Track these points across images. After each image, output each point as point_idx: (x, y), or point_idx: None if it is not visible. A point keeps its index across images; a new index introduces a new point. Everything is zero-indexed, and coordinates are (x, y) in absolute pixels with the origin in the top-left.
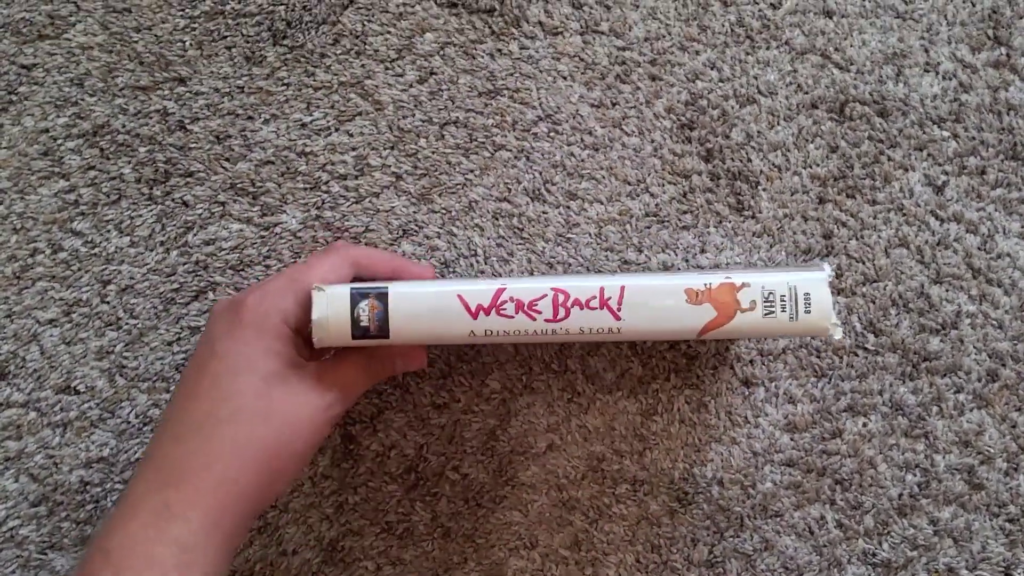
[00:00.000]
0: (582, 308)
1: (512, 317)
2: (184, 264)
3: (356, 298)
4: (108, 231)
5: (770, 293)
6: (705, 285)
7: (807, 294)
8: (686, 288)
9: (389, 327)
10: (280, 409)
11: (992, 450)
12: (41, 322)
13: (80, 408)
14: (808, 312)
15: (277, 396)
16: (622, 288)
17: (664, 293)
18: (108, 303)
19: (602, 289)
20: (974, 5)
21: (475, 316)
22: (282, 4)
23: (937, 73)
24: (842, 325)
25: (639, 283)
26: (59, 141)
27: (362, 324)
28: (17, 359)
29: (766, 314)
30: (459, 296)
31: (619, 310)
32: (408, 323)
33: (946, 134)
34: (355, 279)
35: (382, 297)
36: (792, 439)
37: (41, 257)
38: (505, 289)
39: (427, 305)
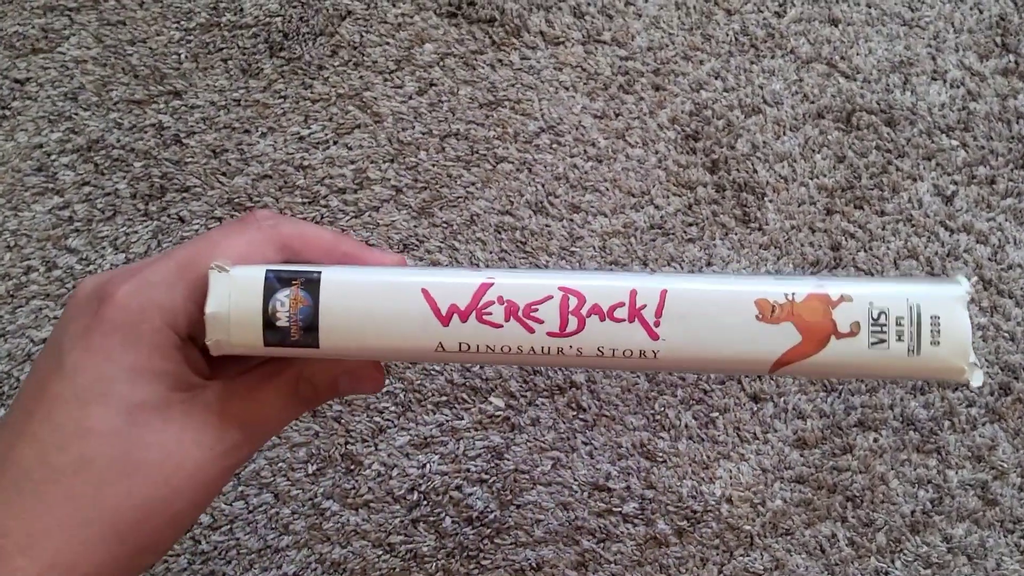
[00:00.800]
0: (603, 319)
1: (500, 326)
2: None
3: (273, 285)
4: (103, 248)
5: (881, 313)
6: (787, 296)
7: (935, 317)
8: (758, 299)
9: (319, 331)
10: (150, 458)
11: (1006, 465)
12: (35, 341)
13: None
14: (936, 344)
15: (147, 438)
16: (663, 294)
17: (725, 304)
18: None
19: (634, 293)
20: (981, 12)
21: (446, 322)
22: (279, 16)
23: (945, 81)
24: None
25: (688, 288)
26: (53, 156)
27: (279, 324)
28: (10, 379)
29: (874, 343)
30: (424, 291)
31: (657, 326)
32: (347, 327)
33: (955, 143)
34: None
35: (311, 286)
36: (802, 455)
37: (35, 275)
38: (492, 284)
39: (377, 302)
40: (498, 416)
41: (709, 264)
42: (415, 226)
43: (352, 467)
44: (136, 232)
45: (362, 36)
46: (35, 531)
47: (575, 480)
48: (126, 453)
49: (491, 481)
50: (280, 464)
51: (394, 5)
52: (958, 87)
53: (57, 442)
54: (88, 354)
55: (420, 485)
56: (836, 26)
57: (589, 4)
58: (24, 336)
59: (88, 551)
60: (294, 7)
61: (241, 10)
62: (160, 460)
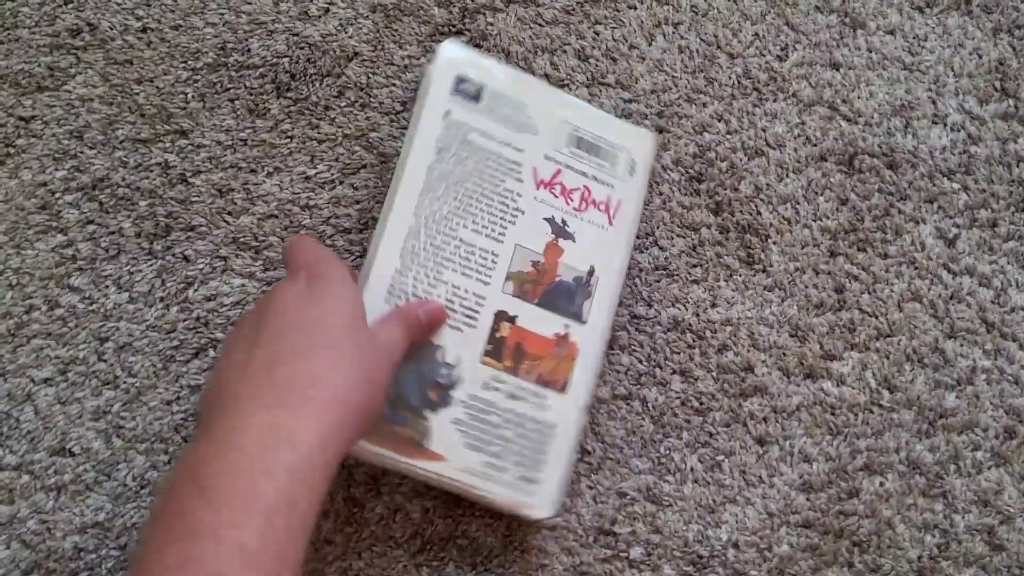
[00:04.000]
0: None
1: None
2: (184, 320)
3: None
4: (106, 287)
5: None
6: None
7: None
8: None
9: None
10: (370, 339)
11: (1012, 509)
12: (36, 381)
13: (75, 471)
14: None
15: (365, 332)
16: None
17: None
18: (105, 361)
19: None
20: (980, 57)
21: None
22: (286, 56)
23: (945, 125)
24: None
25: None
26: (57, 195)
27: None
28: (10, 419)
29: None
30: None
31: None
32: None
33: (956, 186)
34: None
35: None
36: (808, 499)
37: (37, 314)
38: None
39: None
40: None
41: (714, 306)
42: None
43: (355, 511)
44: (140, 271)
45: (369, 77)
46: (316, 377)
47: (580, 524)
48: (358, 336)
49: (495, 525)
50: None
51: (400, 47)
52: (959, 131)
53: (316, 331)
54: (331, 299)
55: (424, 529)
56: (837, 70)
57: (593, 47)
58: (24, 375)
59: (352, 388)
60: (301, 48)
61: (248, 50)
62: (375, 339)
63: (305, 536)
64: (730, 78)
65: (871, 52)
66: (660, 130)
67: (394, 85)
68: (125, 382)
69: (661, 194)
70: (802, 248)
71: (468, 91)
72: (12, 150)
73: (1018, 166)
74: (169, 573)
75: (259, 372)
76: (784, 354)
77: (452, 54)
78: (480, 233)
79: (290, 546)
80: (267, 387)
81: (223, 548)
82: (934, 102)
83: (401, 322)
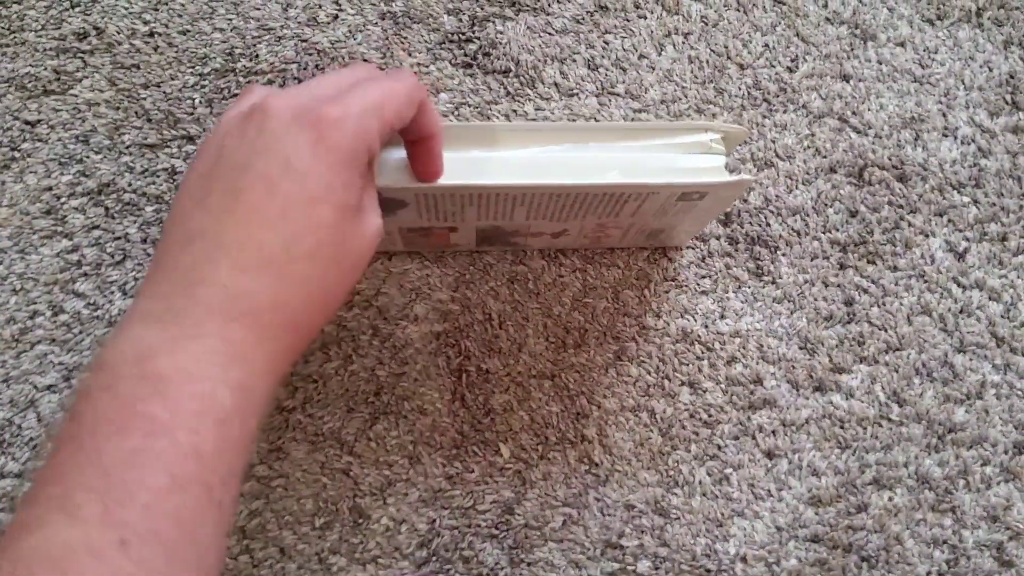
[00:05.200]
0: None
1: None
2: None
3: None
4: (111, 293)
5: None
6: None
7: None
8: None
9: None
10: (351, 248)
11: (1021, 526)
12: (39, 388)
13: None
14: None
15: (349, 233)
16: None
17: None
18: None
19: None
20: (991, 70)
21: None
22: (294, 63)
23: (956, 138)
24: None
25: None
26: (63, 199)
27: None
28: (12, 426)
29: None
30: None
31: None
32: None
33: (966, 199)
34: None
35: None
36: (817, 513)
37: (41, 319)
38: None
39: None
40: (509, 469)
41: (723, 317)
42: (427, 275)
43: (360, 521)
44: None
45: None
46: (280, 297)
47: (587, 537)
48: (339, 245)
49: (501, 536)
50: (287, 517)
51: (410, 55)
52: (969, 144)
53: (296, 231)
54: (316, 163)
55: (430, 541)
56: (848, 82)
57: (603, 57)
58: (28, 382)
59: (310, 313)
60: (310, 54)
61: (257, 56)
62: (356, 249)
63: (248, 453)
64: (740, 89)
65: (881, 64)
66: None
67: None
68: None
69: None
70: (811, 260)
71: None
72: (17, 154)
73: None
74: (116, 467)
75: (222, 271)
76: (793, 367)
77: None
78: None
79: (238, 458)
80: (227, 298)
81: (179, 450)
82: (944, 115)
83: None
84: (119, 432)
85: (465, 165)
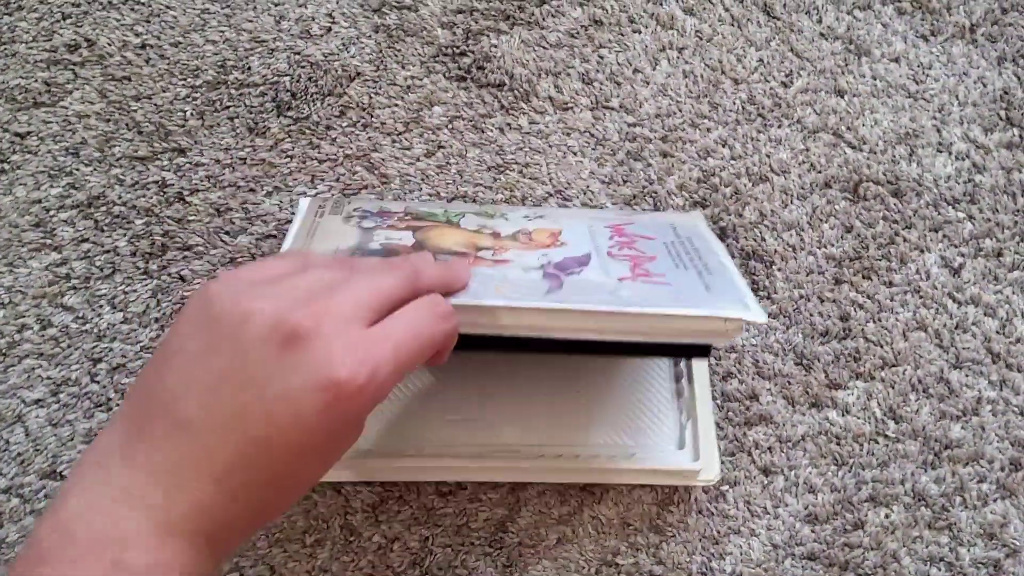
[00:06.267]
0: None
1: None
2: None
3: None
4: (100, 306)
5: None
6: None
7: None
8: None
9: None
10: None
11: (1018, 543)
12: (27, 402)
13: None
14: None
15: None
16: None
17: None
18: (98, 382)
19: None
20: (985, 86)
21: None
22: (287, 75)
23: (950, 153)
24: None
25: None
26: (52, 212)
27: None
28: (0, 441)
29: None
30: None
31: None
32: None
33: (961, 215)
34: None
35: None
36: (813, 531)
37: (29, 333)
38: None
39: None
40: (503, 486)
41: None
42: None
43: (351, 539)
44: (135, 291)
45: (371, 97)
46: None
47: (582, 555)
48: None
49: (495, 554)
50: (277, 535)
51: (403, 68)
52: (963, 159)
53: (288, 483)
54: (329, 438)
55: (422, 559)
56: (842, 97)
57: (597, 71)
58: (15, 396)
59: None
60: (303, 67)
61: (249, 68)
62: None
63: None
64: (735, 103)
65: (876, 80)
66: (664, 155)
67: (396, 105)
68: (118, 404)
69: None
70: (807, 275)
71: None
72: (7, 166)
73: (1023, 195)
74: None
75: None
76: (789, 382)
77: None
78: None
79: None
80: (162, 498)
81: None
82: (939, 130)
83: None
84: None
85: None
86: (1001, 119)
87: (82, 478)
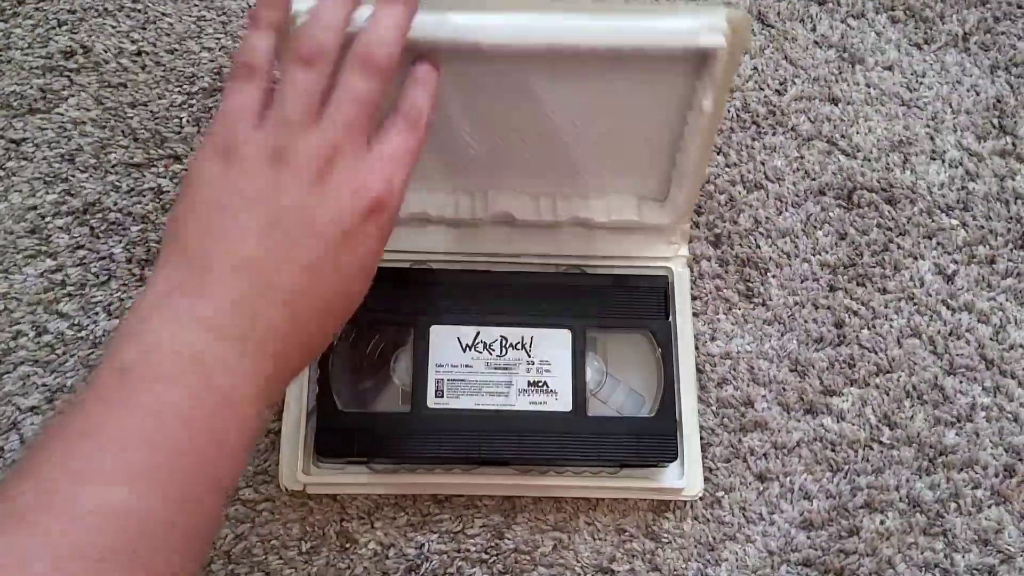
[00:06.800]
0: None
1: None
2: None
3: None
4: (96, 313)
5: None
6: None
7: None
8: None
9: None
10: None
11: (1012, 549)
12: (22, 409)
13: None
14: None
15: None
16: None
17: None
18: None
19: None
20: (978, 94)
21: None
22: None
23: (944, 161)
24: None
25: None
26: (47, 219)
27: None
28: None
29: None
30: None
31: None
32: None
33: (955, 222)
34: None
35: None
36: (809, 537)
37: (24, 340)
38: None
39: None
40: (499, 493)
41: (713, 339)
42: None
43: (347, 545)
44: (131, 297)
45: None
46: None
47: (578, 562)
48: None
49: (491, 561)
50: (272, 541)
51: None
52: (957, 167)
53: (341, 290)
54: (368, 247)
55: (418, 566)
56: (836, 105)
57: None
58: (10, 404)
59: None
60: None
61: None
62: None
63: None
64: (729, 111)
65: (869, 88)
66: None
67: None
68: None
69: None
70: (801, 282)
71: None
72: (2, 173)
73: (1016, 203)
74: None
75: (238, 288)
76: (784, 389)
77: None
78: None
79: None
80: (241, 326)
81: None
82: (932, 138)
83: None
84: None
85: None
86: (994, 127)
87: (155, 310)
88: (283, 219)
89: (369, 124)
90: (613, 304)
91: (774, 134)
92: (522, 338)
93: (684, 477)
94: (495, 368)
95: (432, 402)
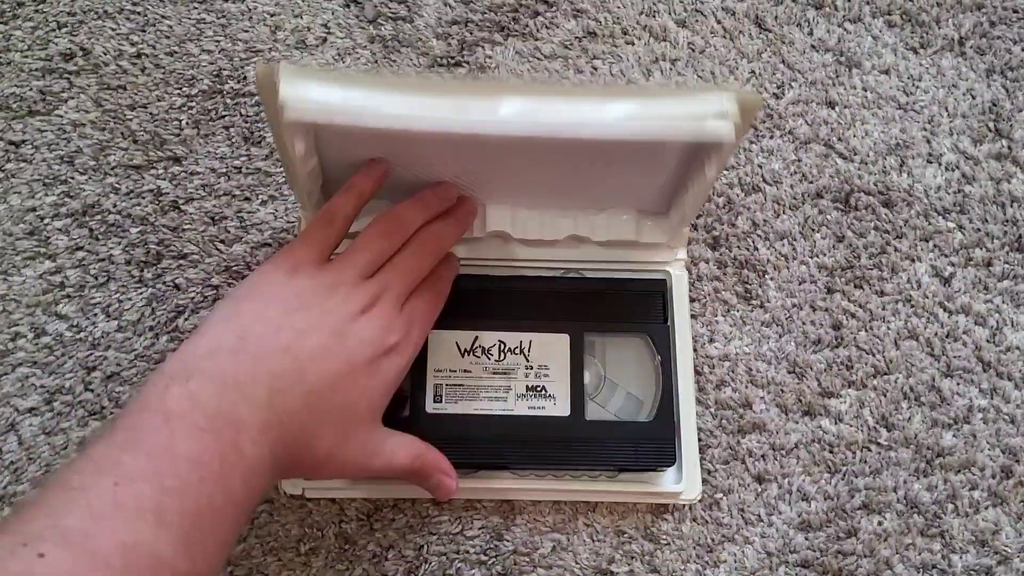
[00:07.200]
0: None
1: None
2: (174, 350)
3: None
4: (95, 315)
5: None
6: None
7: None
8: None
9: None
10: (375, 452)
11: (1009, 550)
12: (20, 410)
13: None
14: None
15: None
16: None
17: None
18: (92, 391)
19: None
20: (974, 98)
21: None
22: None
23: (940, 164)
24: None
25: None
26: (46, 220)
27: None
28: None
29: None
30: None
31: None
32: None
33: (951, 225)
34: None
35: None
36: (807, 538)
37: (23, 341)
38: None
39: None
40: (495, 497)
41: (711, 341)
42: None
43: (346, 547)
44: (130, 299)
45: None
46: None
47: (577, 563)
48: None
49: (490, 563)
50: (271, 543)
51: (394, 74)
52: (953, 170)
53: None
54: (377, 380)
55: (417, 567)
56: (833, 108)
57: (591, 81)
58: (9, 405)
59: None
60: None
61: (244, 78)
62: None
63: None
64: None
65: (866, 91)
66: None
67: None
68: (112, 412)
69: None
70: (799, 284)
71: None
72: (1, 174)
73: (1012, 206)
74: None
75: (290, 401)
76: (782, 391)
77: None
78: None
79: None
80: (266, 398)
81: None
82: (928, 141)
83: (415, 461)
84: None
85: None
86: (990, 130)
87: (198, 364)
88: (323, 327)
89: (408, 288)
90: (611, 308)
91: (772, 137)
92: (520, 342)
93: (682, 481)
94: (493, 373)
95: (431, 407)
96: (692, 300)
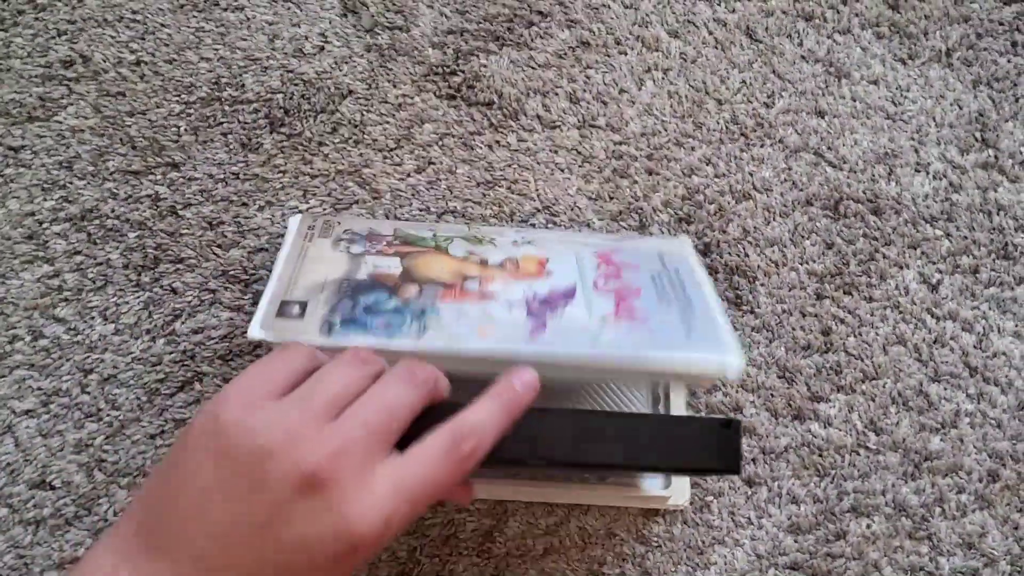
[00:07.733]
0: None
1: None
2: (171, 353)
3: None
4: (92, 318)
5: None
6: None
7: None
8: None
9: None
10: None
11: (996, 552)
12: (17, 412)
13: (55, 505)
14: None
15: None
16: None
17: None
18: (89, 393)
19: None
20: (961, 108)
21: None
22: (280, 92)
23: (928, 173)
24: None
25: None
26: (45, 225)
27: None
28: None
29: None
30: None
31: None
32: None
33: (939, 233)
34: None
35: None
36: (796, 541)
37: (20, 344)
38: None
39: None
40: (489, 497)
41: None
42: None
43: None
44: (127, 303)
45: (363, 115)
46: None
47: (568, 565)
48: None
49: (483, 565)
50: None
51: (395, 86)
52: (941, 179)
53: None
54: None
55: (410, 569)
56: (823, 118)
57: (584, 91)
58: (5, 407)
59: None
60: (296, 85)
61: (243, 86)
62: None
63: None
64: (718, 123)
65: (855, 101)
66: (649, 172)
67: (388, 123)
68: (108, 415)
69: (651, 235)
70: (789, 290)
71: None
72: (1, 179)
73: (998, 214)
74: None
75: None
76: (772, 395)
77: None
78: None
79: None
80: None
81: None
82: (916, 151)
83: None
84: None
85: None
86: (977, 140)
87: (109, 569)
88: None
89: (394, 436)
90: None
91: (762, 146)
92: None
93: (671, 486)
94: None
95: None
96: None
